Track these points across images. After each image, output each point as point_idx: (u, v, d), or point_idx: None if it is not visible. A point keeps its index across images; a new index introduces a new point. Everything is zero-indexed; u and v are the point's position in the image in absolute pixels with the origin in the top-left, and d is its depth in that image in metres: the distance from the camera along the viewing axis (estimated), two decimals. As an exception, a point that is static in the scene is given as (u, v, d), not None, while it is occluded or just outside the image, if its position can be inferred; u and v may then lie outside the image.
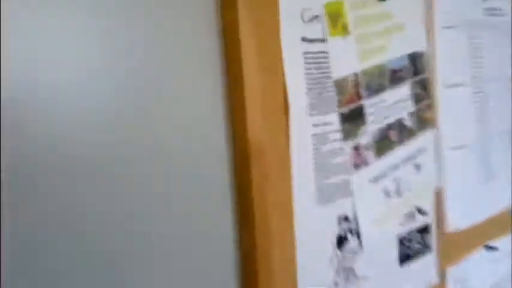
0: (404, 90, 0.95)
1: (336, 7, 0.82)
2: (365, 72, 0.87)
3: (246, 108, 0.69)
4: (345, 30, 0.84)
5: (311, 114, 0.79)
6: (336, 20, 0.82)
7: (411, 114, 0.97)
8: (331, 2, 0.81)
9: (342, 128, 0.84)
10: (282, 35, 0.75)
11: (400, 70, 0.94)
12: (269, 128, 0.72)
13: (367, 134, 0.88)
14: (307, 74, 0.78)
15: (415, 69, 0.97)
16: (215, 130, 0.70)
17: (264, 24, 0.72)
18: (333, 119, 0.82)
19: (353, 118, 0.85)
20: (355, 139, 0.86)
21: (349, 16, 0.84)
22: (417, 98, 0.98)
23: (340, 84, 0.83)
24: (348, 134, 0.85)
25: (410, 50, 0.96)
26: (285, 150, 0.75)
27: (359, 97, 0.86)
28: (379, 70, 0.90)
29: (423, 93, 0.99)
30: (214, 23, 0.69)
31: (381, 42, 0.90)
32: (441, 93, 1.03)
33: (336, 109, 0.83)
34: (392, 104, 0.93)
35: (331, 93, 0.82)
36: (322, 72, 0.81)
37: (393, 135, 0.92)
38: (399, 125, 0.94)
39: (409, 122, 0.96)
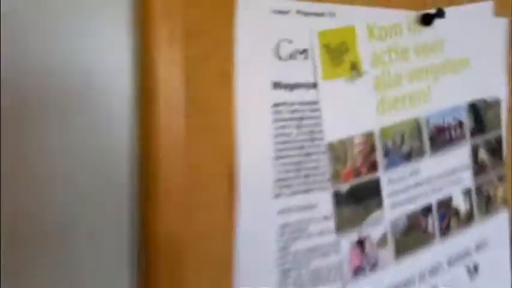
0: (457, 157, 0.64)
1: (340, 37, 0.55)
2: (387, 131, 0.58)
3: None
4: (354, 69, 0.56)
5: (278, 195, 0.52)
6: (338, 55, 0.55)
7: (468, 192, 0.65)
8: (330, 31, 0.54)
9: (337, 213, 0.56)
10: (236, 81, 0.49)
11: (452, 127, 0.63)
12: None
13: (382, 223, 0.59)
14: (278, 135, 0.52)
15: (478, 124, 0.66)
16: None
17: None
18: (321, 200, 0.55)
19: (359, 198, 0.57)
20: (360, 230, 0.57)
21: (366, 49, 0.56)
22: (480, 168, 0.66)
23: (338, 149, 0.55)
24: (346, 223, 0.57)
25: (472, 97, 0.65)
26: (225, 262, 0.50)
27: (373, 167, 0.58)
28: (412, 127, 0.60)
29: (492, 160, 0.68)
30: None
31: (419, 86, 0.60)
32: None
33: (328, 186, 0.55)
34: (434, 178, 0.62)
35: (321, 163, 0.54)
36: (308, 132, 0.54)
37: (430, 224, 0.62)
38: (445, 209, 0.64)
39: (463, 204, 0.65)
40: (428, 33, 0.61)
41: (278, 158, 0.53)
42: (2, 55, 0.39)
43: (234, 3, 0.49)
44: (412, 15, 0.60)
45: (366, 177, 0.58)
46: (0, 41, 0.39)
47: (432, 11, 0.60)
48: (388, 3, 0.59)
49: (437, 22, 0.61)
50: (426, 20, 0.61)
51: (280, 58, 0.52)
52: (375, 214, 0.59)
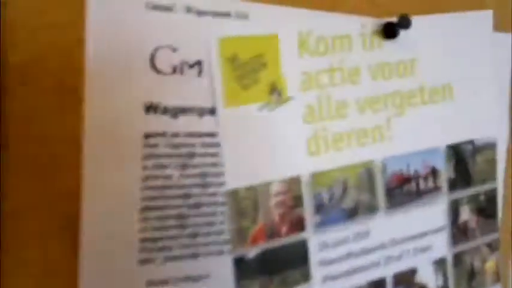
0: (427, 216, 0.48)
1: (254, 48, 0.39)
2: (321, 177, 0.43)
3: None
4: (274, 93, 0.40)
5: (145, 261, 0.38)
6: (250, 73, 0.39)
7: (440, 262, 0.49)
8: (238, 38, 0.38)
9: (241, 287, 0.40)
10: (87, 101, 0.35)
11: (421, 176, 0.47)
12: None
13: (306, 302, 0.43)
14: (148, 177, 0.38)
15: (461, 174, 0.49)
16: None
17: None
18: (215, 268, 0.40)
19: (274, 268, 0.42)
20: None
21: (294, 66, 0.41)
22: (462, 232, 0.49)
23: (244, 200, 0.40)
24: (252, 301, 0.41)
25: (454, 138, 0.48)
26: None
27: (298, 226, 0.42)
28: (360, 174, 0.44)
29: (480, 221, 0.51)
30: None
31: (374, 120, 0.44)
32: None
33: (227, 249, 0.40)
34: (391, 243, 0.46)
35: (217, 218, 0.39)
36: (198, 175, 0.39)
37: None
38: (405, 285, 0.47)
39: (433, 279, 0.48)
40: (392, 49, 0.45)
41: (147, 209, 0.38)
42: None
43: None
44: (370, 23, 0.44)
45: (286, 239, 0.42)
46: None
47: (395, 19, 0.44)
48: (333, 5, 0.43)
49: (408, 35, 0.45)
50: (389, 31, 0.44)
51: (158, 72, 0.37)
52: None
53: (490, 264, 0.53)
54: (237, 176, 0.41)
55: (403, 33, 0.45)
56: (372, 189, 0.46)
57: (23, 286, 0.36)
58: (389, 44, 0.45)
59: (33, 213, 0.36)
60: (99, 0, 0.35)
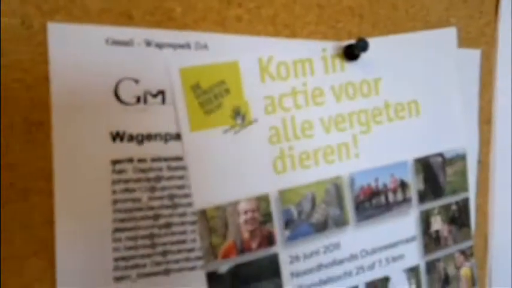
0: (398, 227, 0.46)
1: (215, 75, 0.39)
2: (289, 194, 0.41)
3: None
4: (238, 117, 0.39)
5: (120, 279, 0.38)
6: (213, 99, 0.38)
7: (413, 270, 0.47)
8: (199, 67, 0.38)
9: (212, 300, 0.40)
10: (54, 133, 0.35)
11: (390, 190, 0.45)
12: None
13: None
14: (118, 201, 0.37)
15: (431, 186, 0.47)
16: None
17: None
18: (189, 283, 0.39)
19: (247, 280, 0.41)
20: (243, 323, 0.41)
21: (256, 91, 0.40)
22: (434, 240, 0.47)
23: (213, 219, 0.39)
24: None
25: (422, 151, 0.46)
26: None
27: (267, 241, 0.41)
28: (327, 190, 0.42)
29: (453, 230, 0.48)
30: None
31: (340, 138, 0.43)
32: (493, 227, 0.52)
33: (198, 265, 0.39)
34: (362, 254, 0.44)
35: (188, 236, 0.39)
36: (167, 197, 0.38)
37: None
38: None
39: (406, 286, 0.46)
40: (355, 70, 0.43)
41: (118, 230, 0.37)
42: None
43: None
44: (331, 46, 0.43)
45: (257, 254, 0.41)
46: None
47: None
48: (293, 32, 0.42)
49: (369, 55, 0.43)
50: (350, 54, 0.42)
51: (122, 102, 0.36)
52: (268, 300, 0.42)
53: (465, 271, 0.50)
54: (204, 196, 0.40)
55: (364, 54, 0.43)
56: (340, 203, 0.44)
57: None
58: (351, 65, 0.44)
59: (10, 237, 0.35)
60: (60, 39, 0.35)
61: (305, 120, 0.43)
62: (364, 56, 0.44)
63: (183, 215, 0.40)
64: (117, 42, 0.37)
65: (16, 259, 0.36)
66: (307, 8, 0.43)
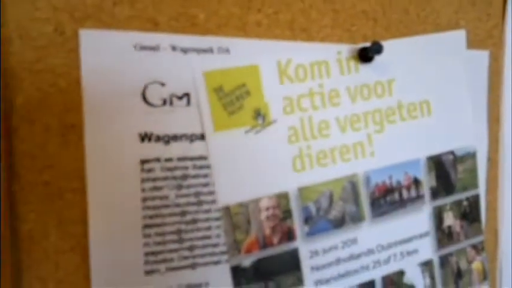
0: (412, 223, 0.46)
1: (237, 78, 0.39)
2: (307, 191, 0.42)
3: None
4: (259, 118, 0.40)
5: (150, 272, 0.38)
6: (235, 100, 0.39)
7: (427, 264, 0.47)
8: (221, 71, 0.38)
9: (236, 293, 0.40)
10: (86, 135, 0.35)
11: (404, 186, 0.45)
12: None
13: (298, 305, 0.42)
14: (147, 198, 0.38)
15: (443, 183, 0.47)
16: None
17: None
18: (214, 276, 0.40)
19: (269, 274, 0.41)
20: (266, 315, 0.42)
21: (276, 93, 0.41)
22: (447, 236, 0.48)
23: (236, 215, 0.40)
24: (247, 306, 0.41)
25: (434, 149, 0.47)
26: None
27: (288, 236, 0.41)
28: (344, 187, 0.43)
29: (464, 225, 0.49)
30: None
31: (355, 137, 0.43)
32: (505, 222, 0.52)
33: (223, 259, 0.39)
34: (378, 249, 0.45)
35: (212, 232, 0.39)
36: (193, 195, 0.39)
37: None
38: (394, 286, 0.46)
39: (420, 279, 0.47)
40: (369, 72, 0.44)
41: (148, 227, 0.38)
42: None
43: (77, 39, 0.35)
44: (346, 49, 0.43)
45: (278, 249, 0.42)
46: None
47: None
48: (310, 36, 0.43)
49: (383, 57, 0.44)
50: (364, 56, 0.43)
51: (150, 104, 0.37)
52: (289, 294, 0.42)
53: (476, 265, 0.50)
54: (228, 193, 0.40)
55: (378, 57, 0.44)
56: (356, 200, 0.45)
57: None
58: (366, 67, 0.44)
59: (46, 234, 0.36)
60: (91, 45, 0.36)
61: (322, 120, 0.44)
62: (377, 58, 0.45)
63: (208, 211, 0.41)
64: (144, 48, 0.38)
65: (53, 254, 0.37)
66: (323, 12, 0.44)
